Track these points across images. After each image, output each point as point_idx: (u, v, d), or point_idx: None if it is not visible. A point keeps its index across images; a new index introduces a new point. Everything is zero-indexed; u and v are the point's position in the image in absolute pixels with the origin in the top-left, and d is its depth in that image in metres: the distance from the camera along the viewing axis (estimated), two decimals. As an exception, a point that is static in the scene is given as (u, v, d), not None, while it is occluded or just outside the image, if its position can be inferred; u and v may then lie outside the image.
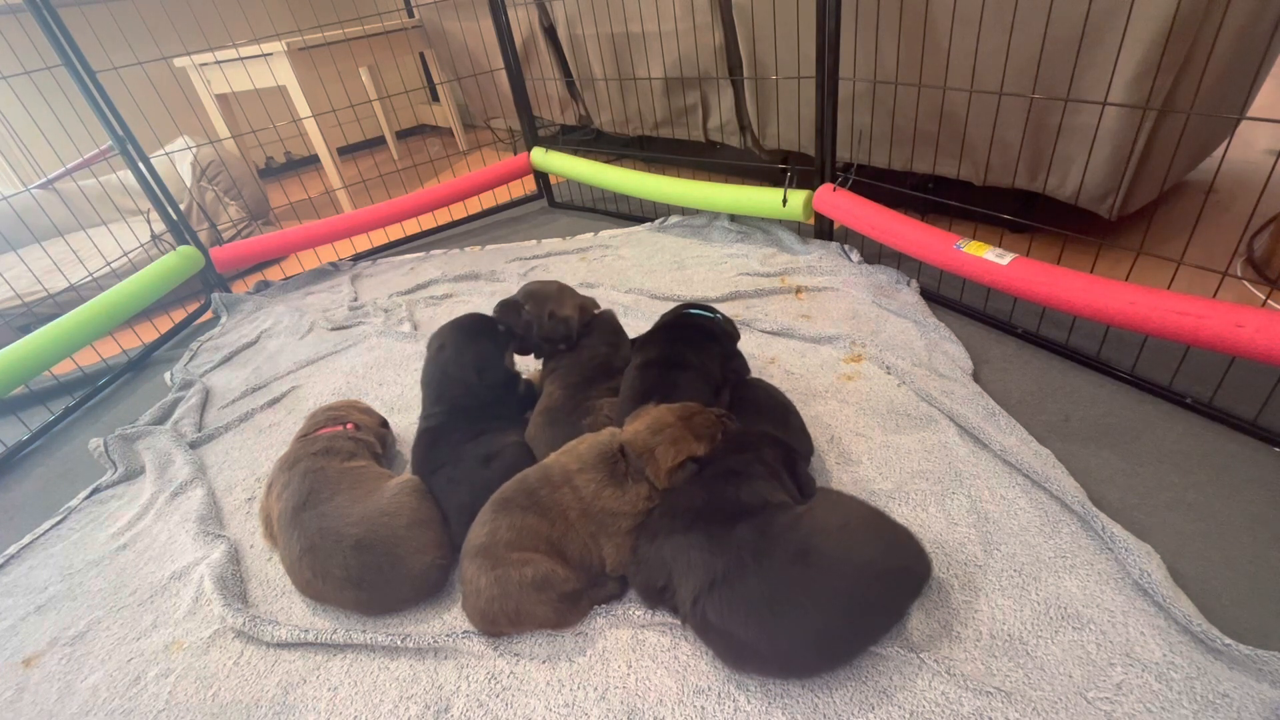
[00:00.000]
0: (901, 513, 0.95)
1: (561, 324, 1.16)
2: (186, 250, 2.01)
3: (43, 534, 1.23)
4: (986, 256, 1.22)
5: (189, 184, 2.37)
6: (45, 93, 2.33)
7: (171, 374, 1.73)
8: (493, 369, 1.17)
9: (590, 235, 2.18)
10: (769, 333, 1.44)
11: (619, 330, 1.24)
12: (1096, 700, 0.69)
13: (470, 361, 1.15)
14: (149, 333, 2.00)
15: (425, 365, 1.20)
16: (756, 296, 1.60)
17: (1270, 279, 1.33)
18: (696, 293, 1.66)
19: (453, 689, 0.82)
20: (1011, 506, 0.93)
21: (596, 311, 1.25)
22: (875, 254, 1.67)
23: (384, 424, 1.26)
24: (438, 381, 1.16)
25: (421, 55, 3.74)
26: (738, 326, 1.22)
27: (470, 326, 1.20)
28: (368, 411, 1.24)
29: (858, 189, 1.59)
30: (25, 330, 1.60)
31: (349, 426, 1.16)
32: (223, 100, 2.88)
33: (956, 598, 0.82)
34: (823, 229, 1.80)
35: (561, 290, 1.21)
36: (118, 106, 1.83)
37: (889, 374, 1.24)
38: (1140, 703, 0.68)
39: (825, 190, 1.65)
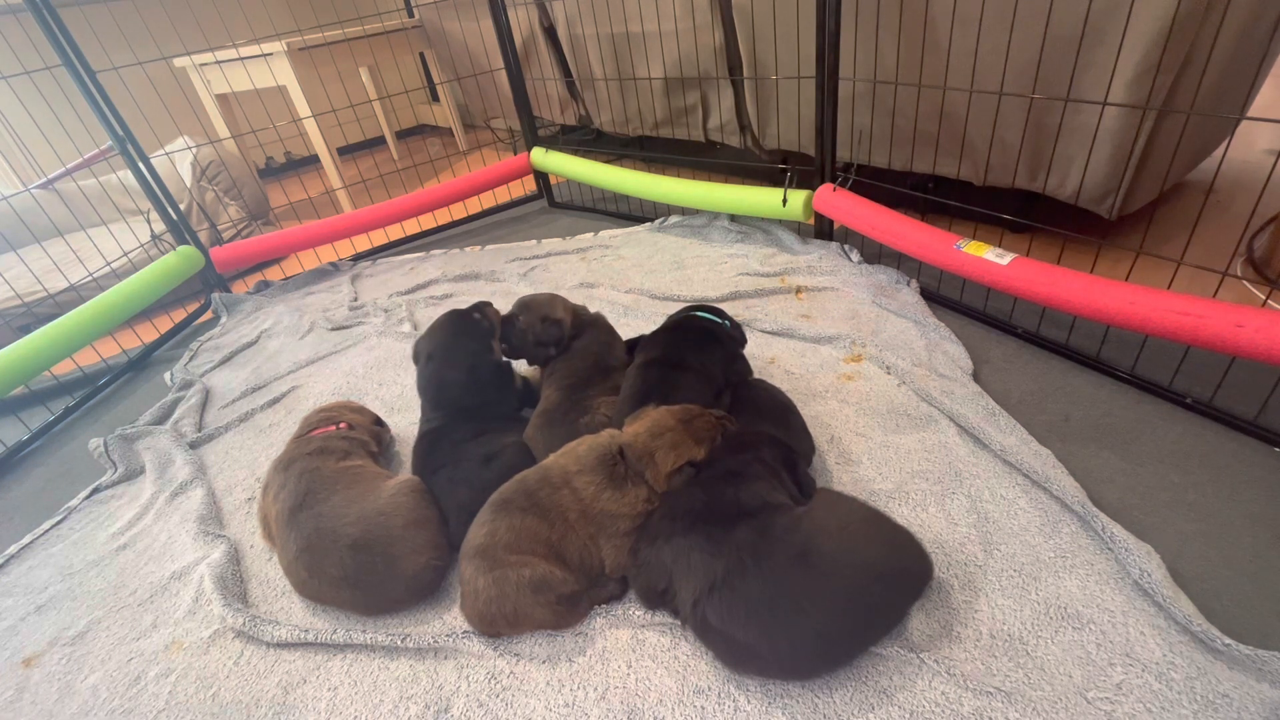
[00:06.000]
0: (901, 513, 0.95)
1: (554, 326, 1.19)
2: (186, 250, 2.01)
3: (43, 534, 1.23)
4: (986, 256, 1.22)
5: (189, 184, 2.37)
6: (45, 93, 2.33)
7: (171, 374, 1.73)
8: (484, 363, 1.19)
9: (590, 235, 2.18)
10: (769, 333, 1.44)
11: (611, 330, 1.26)
12: (1096, 700, 0.69)
13: (461, 361, 1.17)
14: (149, 333, 2.00)
15: (417, 376, 1.21)
16: (756, 296, 1.60)
17: (1270, 279, 1.33)
18: (696, 293, 1.66)
19: (453, 689, 0.82)
20: (1011, 506, 0.93)
21: (588, 316, 1.27)
22: (875, 254, 1.67)
23: (378, 422, 1.26)
24: (434, 389, 1.16)
25: (421, 55, 3.74)
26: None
27: (451, 328, 1.21)
28: (360, 411, 1.24)
29: (858, 189, 1.59)
30: (25, 330, 1.60)
31: (342, 426, 1.16)
32: (223, 100, 2.88)
33: (956, 598, 0.82)
34: (823, 229, 1.80)
35: (553, 298, 1.25)
36: (118, 106, 1.83)
37: (889, 374, 1.24)
38: (1140, 703, 0.68)
39: (825, 190, 1.65)
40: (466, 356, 1.18)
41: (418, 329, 1.74)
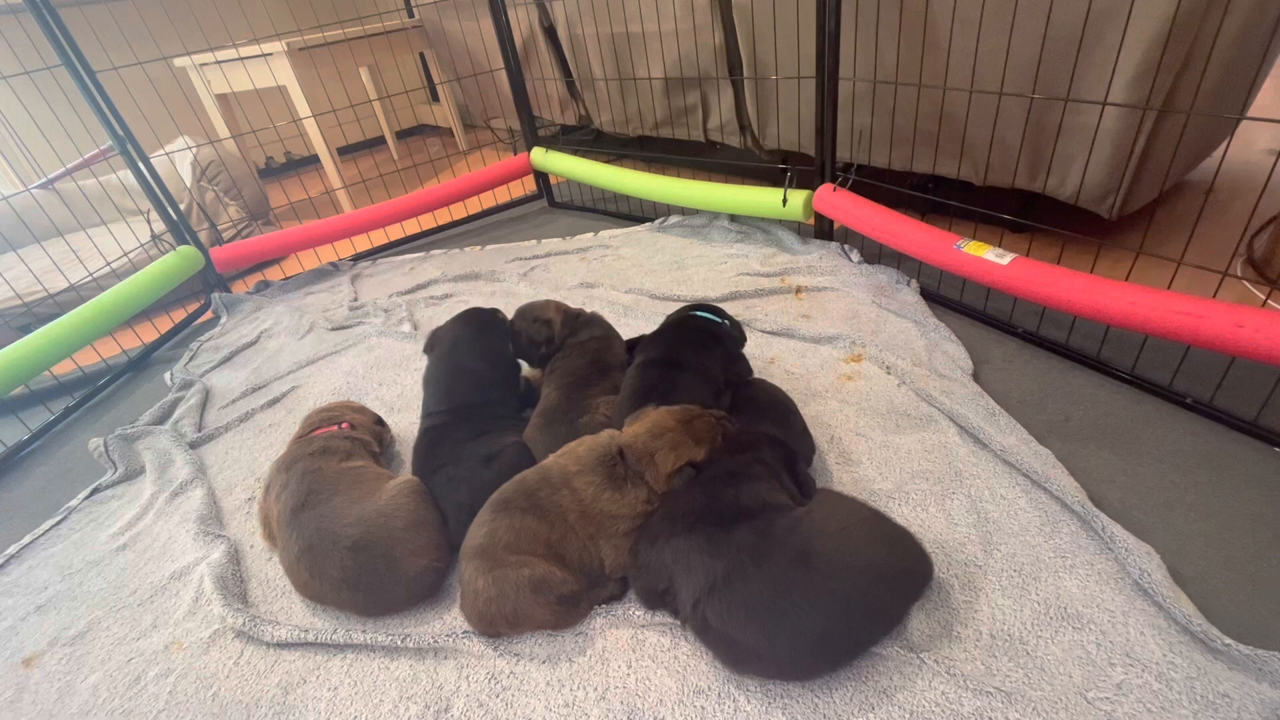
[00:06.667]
0: (901, 513, 0.95)
1: (544, 326, 1.24)
2: (186, 250, 2.01)
3: (43, 534, 1.23)
4: (986, 256, 1.22)
5: (189, 184, 2.37)
6: (45, 93, 2.33)
7: (171, 374, 1.73)
8: (503, 357, 1.24)
9: (590, 235, 2.18)
10: (769, 333, 1.44)
11: (608, 327, 1.27)
12: (1096, 700, 0.69)
13: (482, 351, 1.21)
14: (149, 333, 2.00)
15: (430, 365, 1.22)
16: (756, 296, 1.60)
17: (1270, 279, 1.33)
18: (696, 293, 1.66)
19: (453, 689, 0.82)
20: (1011, 506, 0.93)
21: (584, 316, 1.29)
22: (875, 254, 1.67)
23: (379, 422, 1.26)
24: (448, 378, 1.18)
25: (421, 55, 3.74)
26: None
27: (474, 319, 1.26)
28: (362, 411, 1.24)
29: (858, 189, 1.59)
30: (25, 330, 1.60)
31: (344, 426, 1.16)
32: (223, 100, 2.88)
33: (956, 598, 0.82)
34: (823, 229, 1.80)
35: (547, 303, 1.30)
36: (118, 106, 1.83)
37: (889, 374, 1.24)
38: (1140, 703, 0.68)
39: (825, 190, 1.65)
40: (488, 349, 1.22)
41: (418, 329, 1.74)
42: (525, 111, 2.39)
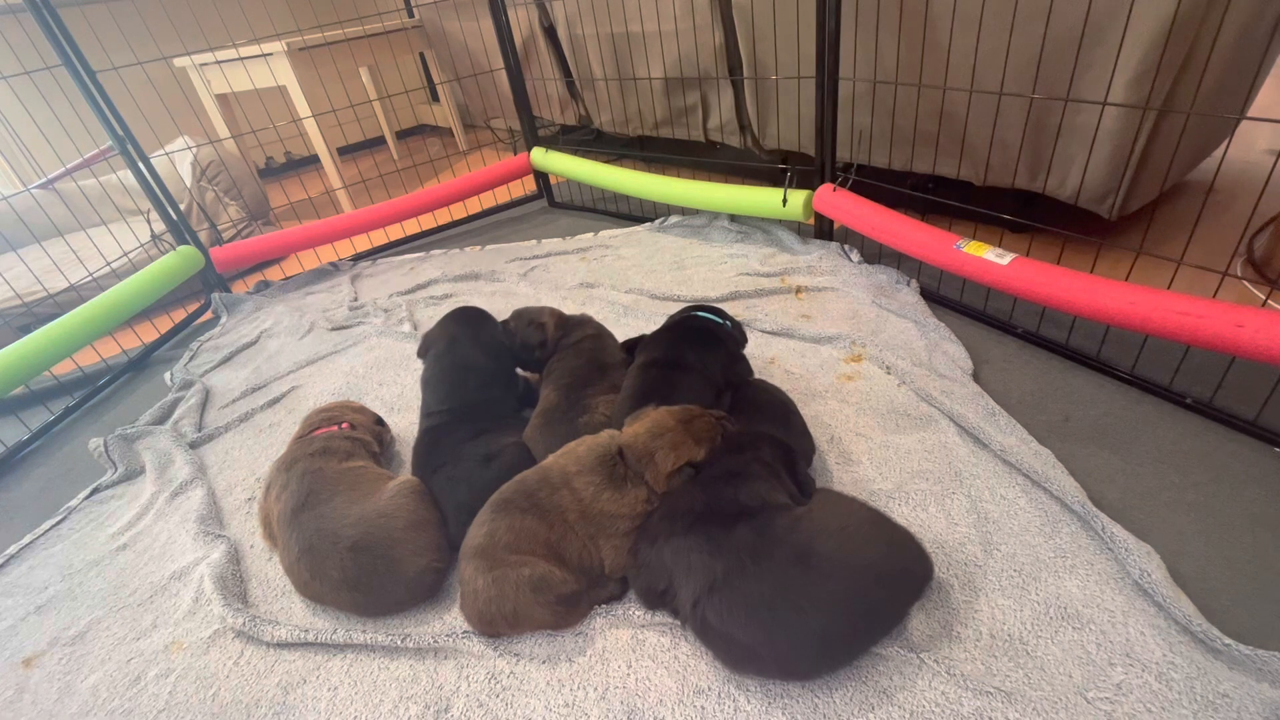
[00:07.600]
0: (901, 513, 0.95)
1: (538, 329, 1.25)
2: (186, 250, 2.01)
3: (43, 534, 1.23)
4: (986, 256, 1.22)
5: (189, 184, 2.37)
6: (45, 93, 2.33)
7: (171, 374, 1.73)
8: (502, 353, 1.25)
9: (590, 235, 2.18)
10: (769, 333, 1.44)
11: (600, 326, 1.29)
12: (1096, 700, 0.69)
13: (487, 347, 1.22)
14: (149, 333, 2.00)
15: (430, 364, 1.22)
16: (756, 296, 1.60)
17: (1270, 279, 1.33)
18: (696, 293, 1.66)
19: (453, 689, 0.82)
20: (1011, 506, 0.93)
21: (575, 318, 1.31)
22: (875, 254, 1.67)
23: (379, 422, 1.26)
24: (451, 377, 1.18)
25: (421, 55, 3.74)
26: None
27: (467, 317, 1.27)
28: (362, 411, 1.24)
29: (858, 189, 1.59)
30: (25, 330, 1.60)
31: (344, 426, 1.16)
32: (223, 100, 2.88)
33: (956, 598, 0.82)
34: (823, 229, 1.80)
35: (541, 308, 1.31)
36: (118, 106, 1.83)
37: (889, 374, 1.24)
38: (1140, 703, 0.68)
39: (825, 190, 1.65)
40: (491, 343, 1.23)
41: (418, 329, 1.74)
42: (525, 111, 2.39)
